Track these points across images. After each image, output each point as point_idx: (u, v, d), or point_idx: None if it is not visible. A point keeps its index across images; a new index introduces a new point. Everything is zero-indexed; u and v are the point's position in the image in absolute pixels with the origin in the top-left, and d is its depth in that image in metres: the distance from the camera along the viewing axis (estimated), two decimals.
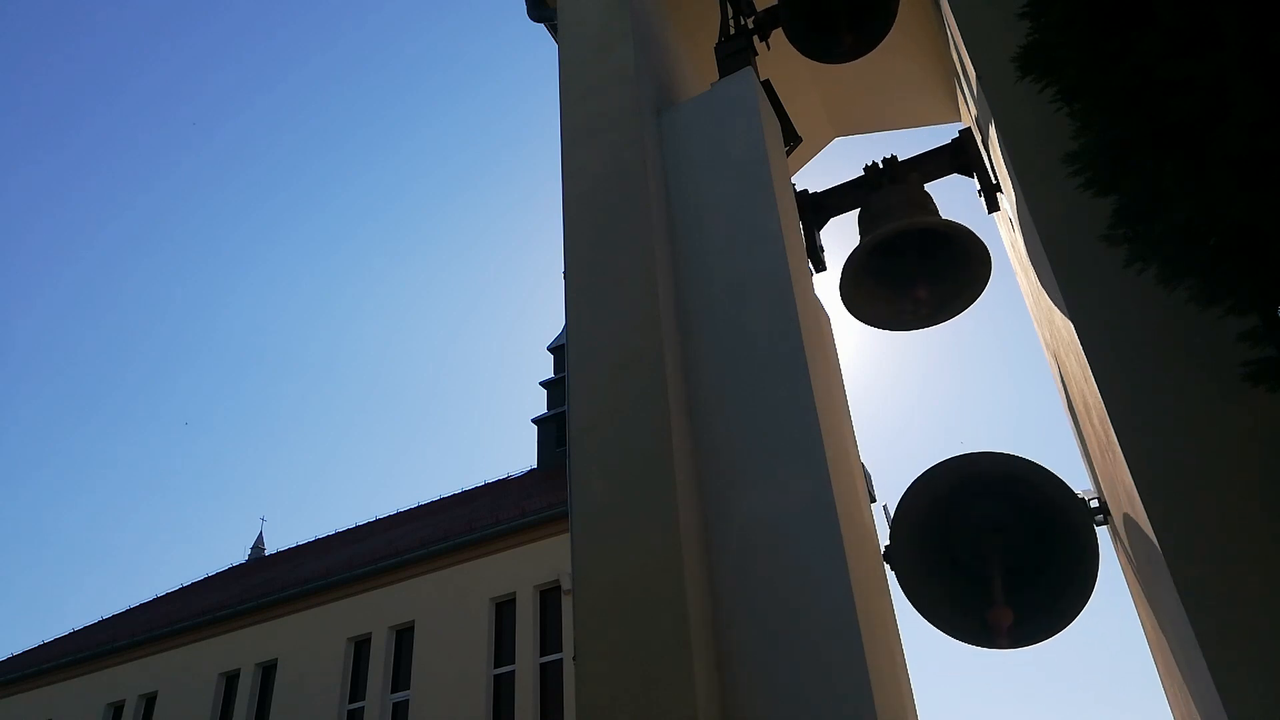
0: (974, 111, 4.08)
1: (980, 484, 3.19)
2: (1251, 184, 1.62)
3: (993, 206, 4.02)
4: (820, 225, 4.37)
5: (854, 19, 4.39)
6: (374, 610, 15.69)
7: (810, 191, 4.37)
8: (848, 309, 4.10)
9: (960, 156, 4.13)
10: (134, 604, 23.73)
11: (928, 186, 4.19)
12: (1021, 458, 3.15)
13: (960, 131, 4.21)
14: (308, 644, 16.09)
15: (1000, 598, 2.99)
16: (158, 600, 23.36)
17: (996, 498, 3.19)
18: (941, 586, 3.23)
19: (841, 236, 4.68)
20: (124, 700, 17.93)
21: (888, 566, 3.64)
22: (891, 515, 3.20)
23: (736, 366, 3.31)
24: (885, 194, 4.11)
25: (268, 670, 16.64)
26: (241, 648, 16.94)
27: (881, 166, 4.21)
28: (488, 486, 20.22)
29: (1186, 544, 2.27)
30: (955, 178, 4.18)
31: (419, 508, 21.26)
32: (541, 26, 5.37)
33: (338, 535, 22.32)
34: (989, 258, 3.89)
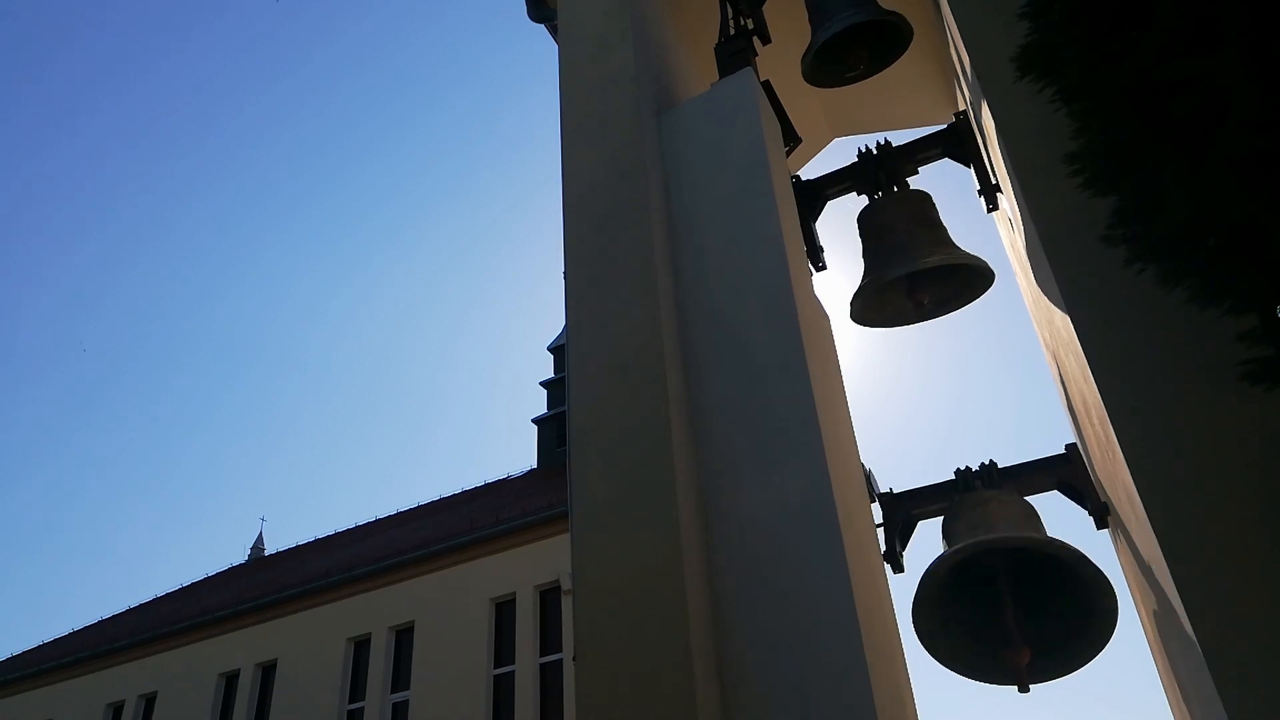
0: (974, 111, 4.08)
1: (1001, 549, 3.20)
2: (1251, 184, 1.62)
3: (992, 206, 4.02)
4: (815, 214, 4.37)
5: (869, 55, 4.38)
6: (374, 610, 15.69)
7: (803, 179, 4.39)
8: (858, 324, 4.17)
9: (955, 142, 4.14)
10: (134, 604, 23.73)
11: (925, 171, 4.23)
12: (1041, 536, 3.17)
13: (956, 115, 4.22)
14: (308, 644, 16.09)
15: (1017, 638, 3.06)
16: (158, 600, 23.36)
17: (1010, 554, 3.23)
18: (962, 634, 3.32)
19: (840, 230, 4.67)
20: (124, 700, 17.93)
21: (888, 566, 3.64)
22: (916, 588, 3.18)
23: (736, 366, 3.31)
24: (887, 205, 4.11)
25: (268, 670, 16.65)
26: (241, 648, 16.94)
27: (875, 151, 4.23)
28: (488, 486, 20.22)
29: (1186, 544, 2.27)
30: (956, 177, 4.19)
31: (419, 508, 21.26)
32: (541, 27, 5.37)
33: (338, 535, 22.31)
34: (993, 277, 3.95)
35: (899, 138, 4.30)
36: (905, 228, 3.96)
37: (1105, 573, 3.00)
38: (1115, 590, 3.02)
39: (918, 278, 4.00)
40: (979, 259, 3.85)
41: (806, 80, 4.45)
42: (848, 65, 4.34)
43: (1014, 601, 3.17)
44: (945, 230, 4.02)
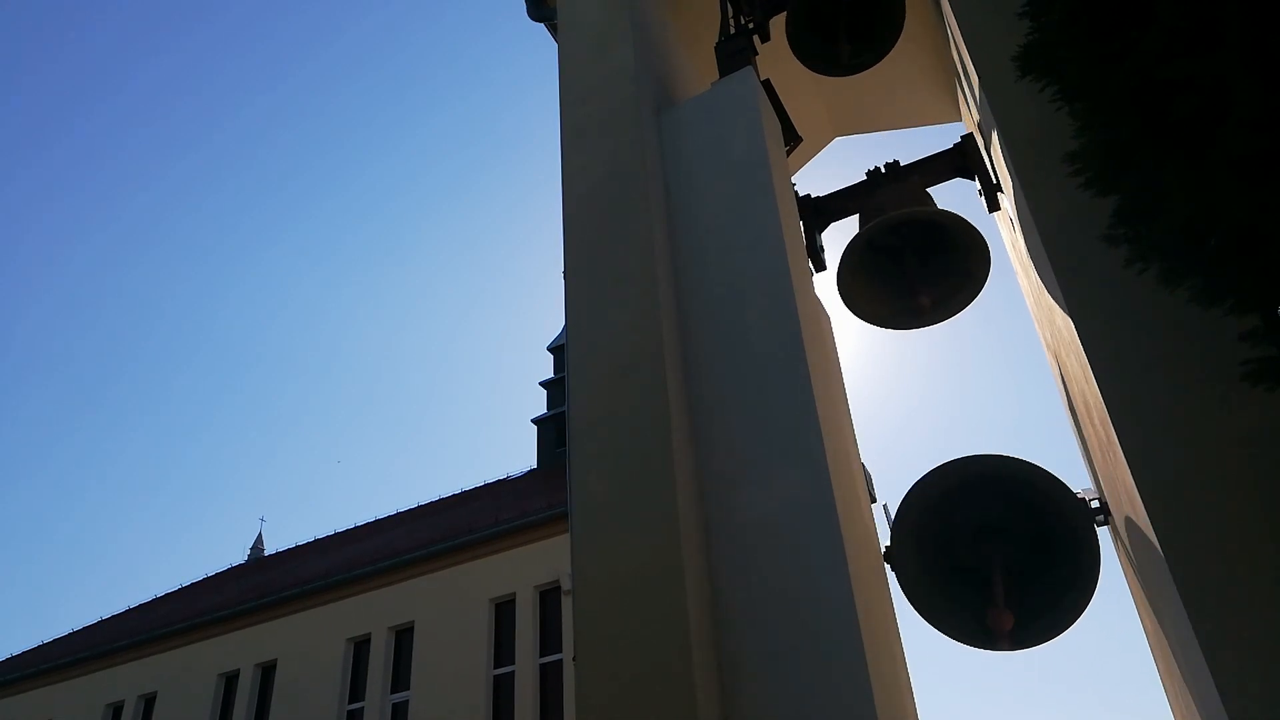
0: (974, 111, 4.08)
1: (981, 486, 3.20)
2: (1252, 184, 1.62)
3: (993, 206, 4.02)
4: (821, 229, 4.37)
5: (859, 34, 4.39)
6: (373, 610, 15.69)
7: (812, 195, 4.37)
8: (845, 303, 4.10)
9: (962, 161, 4.13)
10: (134, 604, 23.73)
11: (929, 190, 4.21)
12: (1022, 460, 3.16)
13: (962, 137, 4.21)
14: (307, 644, 16.09)
15: (1000, 599, 3.00)
16: (158, 600, 23.34)
17: (996, 499, 3.21)
18: (942, 588, 3.25)
19: (842, 239, 4.68)
20: (124, 700, 17.92)
21: (888, 566, 3.64)
22: (892, 516, 3.21)
23: (736, 366, 3.31)
24: (884, 193, 4.12)
25: (267, 670, 16.64)
26: (241, 648, 16.93)
27: (884, 171, 4.22)
28: (488, 486, 20.20)
29: (1186, 544, 2.27)
30: (958, 185, 4.18)
31: (419, 508, 21.24)
32: (541, 26, 5.37)
33: (337, 535, 22.29)
34: (987, 250, 3.90)
35: (900, 136, 4.32)
36: (899, 204, 3.96)
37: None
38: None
39: (915, 273, 3.98)
40: (969, 223, 3.79)
41: (793, 50, 4.45)
42: (838, 53, 4.35)
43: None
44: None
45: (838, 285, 4.04)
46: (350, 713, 15.25)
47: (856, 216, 4.22)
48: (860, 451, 4.00)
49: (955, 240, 3.88)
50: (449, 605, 14.91)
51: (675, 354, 3.36)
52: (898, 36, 4.39)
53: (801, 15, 4.41)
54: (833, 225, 4.37)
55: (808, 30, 4.41)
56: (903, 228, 3.94)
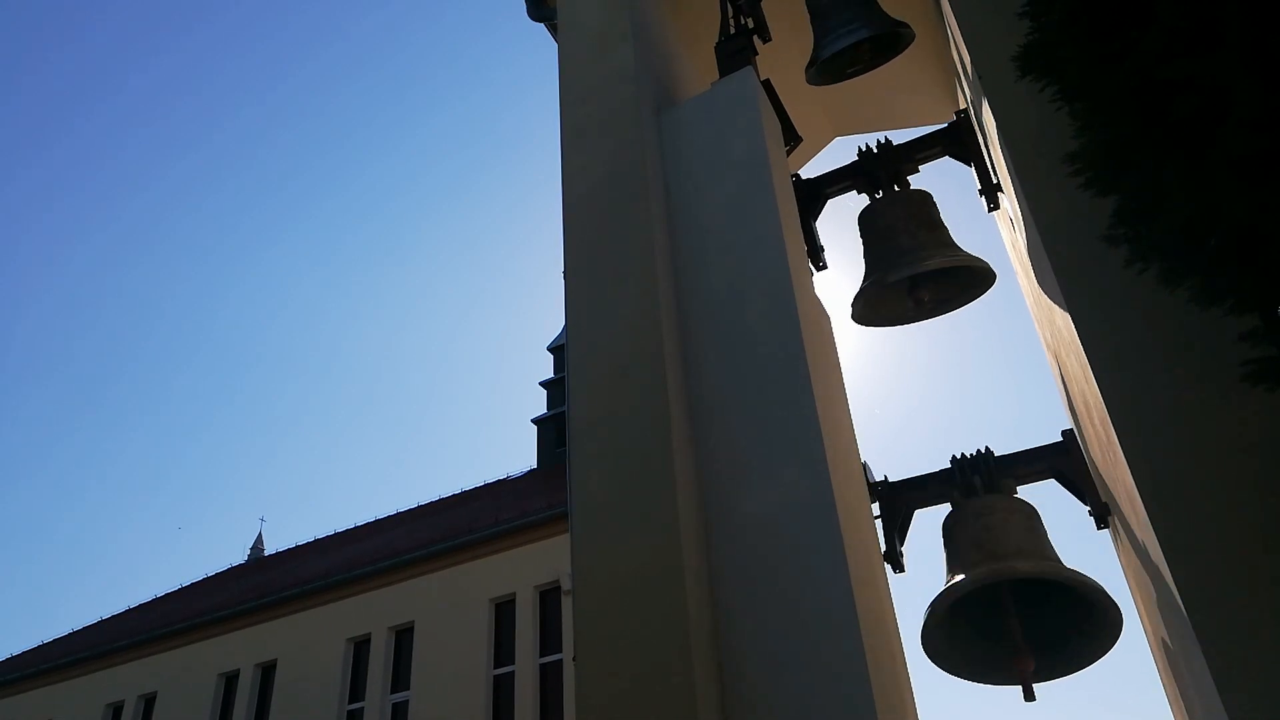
0: (975, 111, 4.08)
1: (1003, 584, 3.25)
2: (1252, 184, 1.62)
3: (993, 205, 4.02)
4: (816, 213, 4.38)
5: (870, 53, 4.37)
6: (374, 610, 15.69)
7: (803, 178, 4.39)
8: (859, 324, 4.16)
9: (955, 141, 4.14)
10: (134, 604, 23.72)
11: (925, 169, 4.22)
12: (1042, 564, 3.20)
13: (957, 114, 4.22)
14: (307, 644, 16.09)
15: (1022, 646, 3.13)
16: (158, 600, 23.34)
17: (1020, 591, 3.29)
18: (967, 643, 3.38)
19: (840, 230, 4.67)
20: (124, 700, 17.93)
21: (888, 566, 3.64)
22: (924, 616, 3.24)
23: (736, 366, 3.31)
24: (888, 205, 4.10)
25: (267, 670, 16.65)
26: (241, 648, 16.94)
27: (875, 150, 4.23)
28: (488, 486, 20.20)
29: (1186, 544, 2.27)
30: (957, 176, 4.18)
31: (419, 508, 21.24)
32: (541, 26, 5.37)
33: (337, 535, 22.29)
34: (994, 277, 3.95)
35: (900, 137, 4.30)
36: (906, 228, 3.95)
37: (1112, 595, 3.05)
38: (1121, 609, 3.07)
39: (919, 278, 4.00)
40: (980, 260, 3.85)
41: (810, 84, 4.46)
42: (848, 64, 4.34)
43: (1018, 609, 3.22)
44: (946, 230, 4.02)
45: (854, 317, 4.03)
46: (350, 713, 15.26)
47: (854, 207, 4.24)
48: (860, 451, 3.99)
49: (966, 274, 3.89)
50: (449, 605, 14.91)
51: (675, 354, 3.36)
52: (904, 50, 4.38)
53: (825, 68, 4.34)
54: (830, 216, 4.39)
55: (824, 67, 4.37)
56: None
